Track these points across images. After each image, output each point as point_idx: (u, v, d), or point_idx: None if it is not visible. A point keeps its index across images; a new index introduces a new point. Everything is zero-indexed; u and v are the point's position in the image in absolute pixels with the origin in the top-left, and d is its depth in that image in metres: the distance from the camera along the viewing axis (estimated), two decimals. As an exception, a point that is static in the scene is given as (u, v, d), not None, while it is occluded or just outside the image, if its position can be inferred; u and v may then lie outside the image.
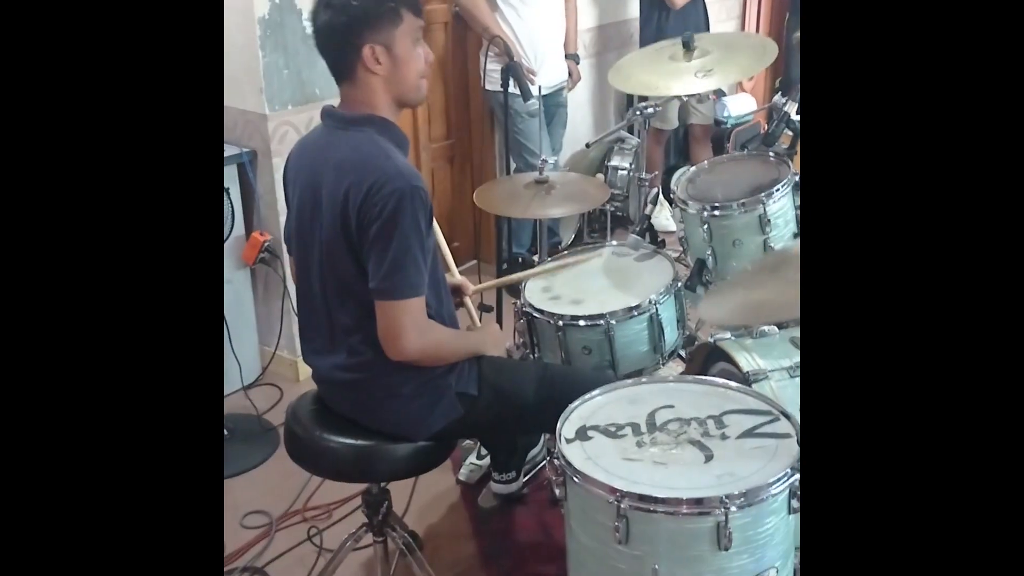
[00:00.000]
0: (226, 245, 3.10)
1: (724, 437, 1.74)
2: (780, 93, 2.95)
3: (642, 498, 1.56)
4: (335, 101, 1.97)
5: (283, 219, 3.19)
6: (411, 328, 1.82)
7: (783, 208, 2.60)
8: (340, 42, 1.85)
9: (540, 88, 3.55)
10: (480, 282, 2.38)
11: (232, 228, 3.08)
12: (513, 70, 3.01)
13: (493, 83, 3.63)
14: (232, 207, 3.07)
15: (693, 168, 2.95)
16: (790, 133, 2.87)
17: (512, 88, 3.04)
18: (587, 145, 3.56)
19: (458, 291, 2.29)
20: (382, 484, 2.11)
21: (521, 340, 2.58)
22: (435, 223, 1.95)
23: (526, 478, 2.72)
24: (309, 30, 3.11)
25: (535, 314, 2.46)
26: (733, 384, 1.92)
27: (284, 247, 2.08)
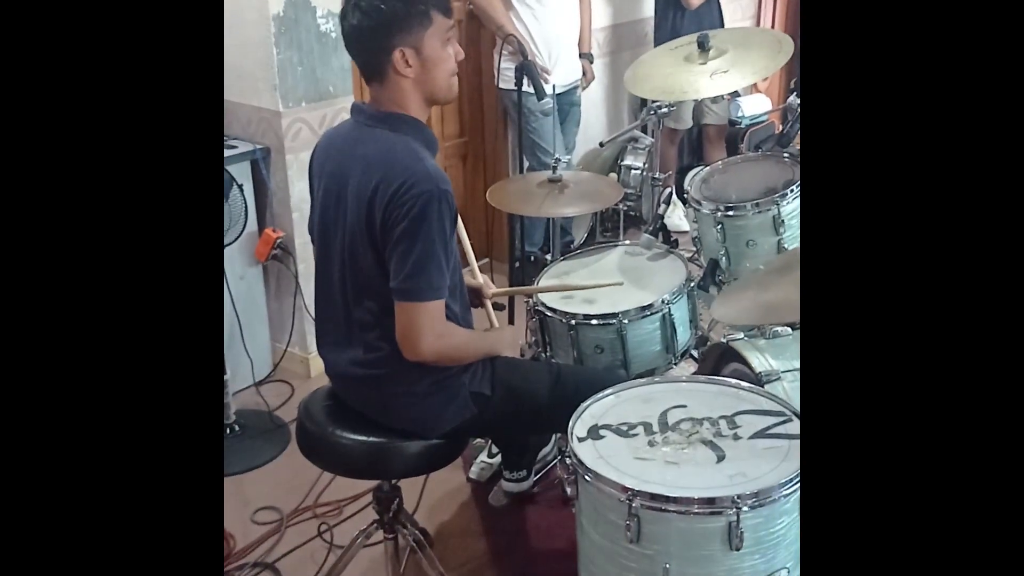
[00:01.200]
0: (239, 242, 3.10)
1: (736, 437, 1.73)
2: (795, 94, 2.95)
3: (654, 497, 1.57)
4: (351, 99, 1.97)
5: (296, 216, 3.21)
6: (429, 331, 1.82)
7: (797, 209, 2.59)
8: (369, 46, 1.83)
9: (554, 87, 3.54)
10: (491, 280, 2.38)
11: (245, 225, 3.08)
12: (527, 69, 3.01)
13: (507, 81, 3.63)
14: (245, 204, 3.07)
15: (707, 168, 2.94)
16: (804, 134, 2.86)
17: (526, 87, 3.04)
18: (601, 144, 3.56)
19: (477, 292, 2.28)
20: (393, 481, 2.12)
21: (533, 339, 2.58)
22: (459, 222, 1.93)
23: (537, 477, 2.72)
24: (324, 28, 3.15)
25: (548, 313, 2.46)
26: (745, 384, 1.92)
27: (305, 240, 2.07)
